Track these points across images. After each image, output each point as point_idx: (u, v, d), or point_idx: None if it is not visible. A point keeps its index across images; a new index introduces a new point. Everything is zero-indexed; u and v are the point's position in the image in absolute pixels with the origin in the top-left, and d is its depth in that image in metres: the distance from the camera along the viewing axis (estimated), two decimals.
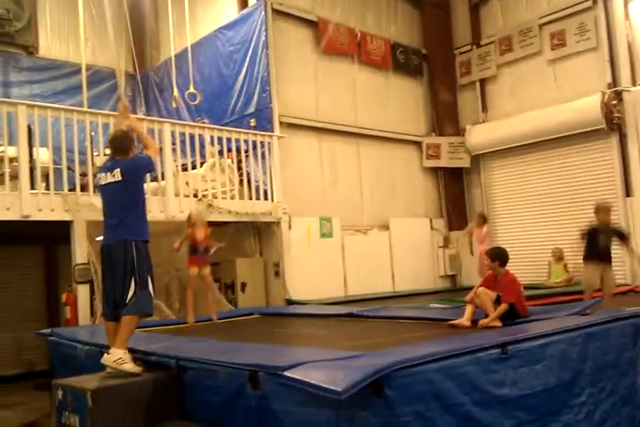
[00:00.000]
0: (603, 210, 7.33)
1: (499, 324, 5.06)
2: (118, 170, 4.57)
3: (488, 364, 3.57)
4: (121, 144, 4.76)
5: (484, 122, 12.18)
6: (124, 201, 4.58)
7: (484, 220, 10.15)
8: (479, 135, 12.04)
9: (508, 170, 11.84)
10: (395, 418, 3.09)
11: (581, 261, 8.05)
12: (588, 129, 10.28)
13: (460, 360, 3.46)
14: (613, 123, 10.04)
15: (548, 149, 11.08)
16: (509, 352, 3.70)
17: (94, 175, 7.79)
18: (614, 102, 10.00)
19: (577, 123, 10.35)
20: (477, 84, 12.35)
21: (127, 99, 11.81)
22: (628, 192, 10.04)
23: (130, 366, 4.19)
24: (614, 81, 10.19)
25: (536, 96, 11.22)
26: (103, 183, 4.65)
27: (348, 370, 3.20)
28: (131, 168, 4.63)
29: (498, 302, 5.26)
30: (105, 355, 4.29)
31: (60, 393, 4.02)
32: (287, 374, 3.30)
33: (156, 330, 4.66)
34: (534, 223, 11.26)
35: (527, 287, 8.57)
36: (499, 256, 5.50)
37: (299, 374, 3.26)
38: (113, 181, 4.57)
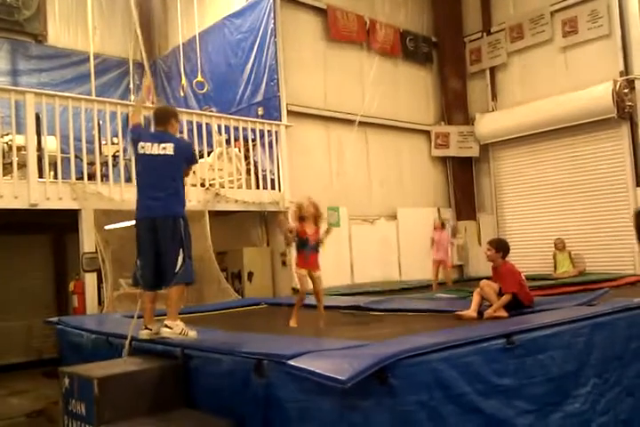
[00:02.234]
0: None
1: (505, 314, 5.06)
2: (171, 145, 4.65)
3: (493, 354, 3.57)
4: (162, 114, 4.89)
5: (493, 110, 12.08)
6: (173, 176, 4.66)
7: (442, 225, 10.33)
8: (488, 124, 11.94)
9: (517, 159, 11.75)
10: (399, 407, 3.10)
11: (587, 249, 8.15)
12: (599, 118, 10.16)
13: (465, 350, 3.45)
14: (625, 111, 9.93)
15: (557, 138, 10.98)
16: (515, 343, 3.69)
17: (114, 156, 7.99)
18: (626, 91, 9.88)
19: (588, 111, 10.24)
20: (487, 72, 12.23)
21: (135, 87, 11.83)
22: (638, 182, 9.94)
23: (193, 334, 4.46)
24: (626, 69, 10.06)
25: (547, 84, 11.11)
26: (148, 153, 4.66)
27: (352, 359, 3.20)
28: (183, 149, 4.77)
29: (500, 293, 5.25)
30: (164, 329, 4.45)
31: (67, 381, 4.05)
32: (292, 362, 3.31)
33: (160, 318, 4.67)
34: (543, 213, 11.19)
35: (535, 278, 8.60)
36: (502, 247, 5.50)
37: (303, 363, 3.26)
38: (163, 153, 4.63)
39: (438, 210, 11.89)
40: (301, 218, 5.72)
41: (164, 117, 4.88)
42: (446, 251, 9.86)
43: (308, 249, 5.70)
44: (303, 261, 5.72)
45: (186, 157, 4.78)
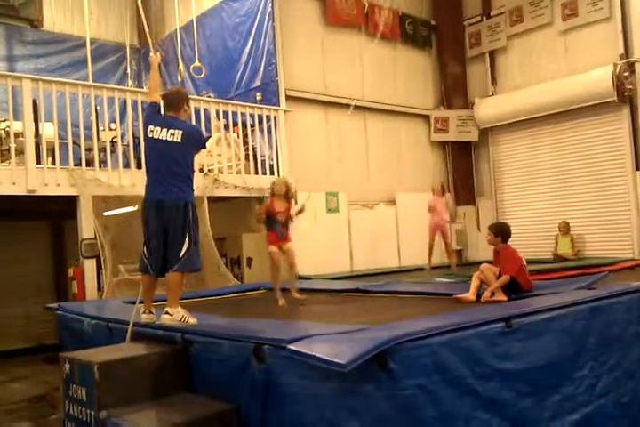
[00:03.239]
0: None
1: (504, 298, 5.07)
2: (180, 132, 4.60)
3: (492, 337, 3.57)
4: (173, 99, 4.81)
5: (493, 95, 12.01)
6: (182, 162, 4.62)
7: (442, 190, 9.99)
8: (488, 108, 11.89)
9: (516, 144, 11.72)
10: (398, 391, 3.10)
11: (586, 233, 8.15)
12: (599, 101, 10.11)
13: (465, 334, 3.45)
14: (624, 95, 9.87)
15: (557, 122, 10.94)
16: (514, 326, 3.70)
17: (113, 141, 7.93)
18: (626, 74, 9.81)
19: (587, 95, 10.18)
20: (487, 55, 12.15)
21: (133, 72, 11.76)
22: (637, 166, 9.92)
23: (193, 321, 4.48)
24: (626, 52, 9.98)
25: (546, 68, 11.04)
26: (157, 137, 4.62)
27: (352, 343, 3.21)
28: (192, 137, 4.71)
29: (500, 277, 5.27)
30: (165, 316, 4.46)
31: (67, 366, 4.06)
32: (292, 347, 3.31)
33: (161, 305, 4.68)
34: (543, 197, 11.19)
35: (534, 261, 8.61)
36: (502, 232, 5.50)
37: (303, 348, 3.27)
38: (171, 140, 4.59)
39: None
40: (272, 195, 6.16)
41: (177, 102, 4.79)
42: (442, 215, 9.55)
43: (277, 226, 6.13)
44: (274, 237, 6.13)
45: (196, 144, 4.75)
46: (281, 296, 6.11)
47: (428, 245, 9.70)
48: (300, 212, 6.40)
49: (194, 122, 8.30)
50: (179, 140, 4.59)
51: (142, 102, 7.51)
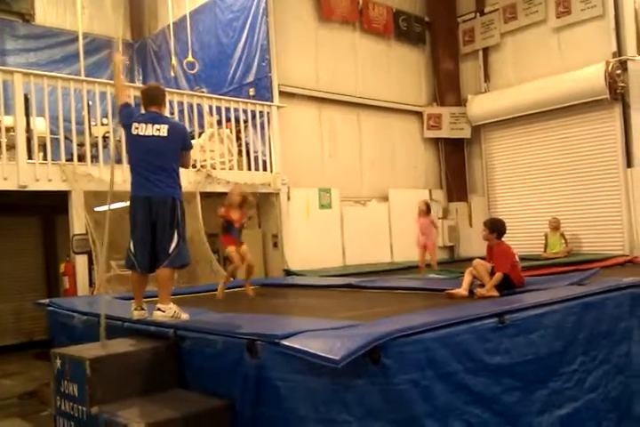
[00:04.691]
0: None
1: (496, 294, 5.09)
2: (166, 127, 4.59)
3: (484, 333, 3.59)
4: (156, 94, 4.81)
5: (486, 92, 12.03)
6: (169, 157, 4.61)
7: (427, 209, 9.53)
8: (481, 105, 11.90)
9: (508, 141, 11.74)
10: (391, 386, 3.11)
11: (577, 230, 8.16)
12: (591, 99, 10.14)
13: (457, 329, 3.47)
14: (617, 93, 9.90)
15: (549, 119, 10.97)
16: (506, 322, 3.72)
17: (104, 137, 7.88)
18: (618, 72, 9.84)
19: (580, 92, 10.21)
20: (480, 52, 12.15)
21: (125, 67, 11.67)
22: (629, 163, 9.96)
23: (185, 316, 4.49)
24: (619, 50, 10.01)
25: (539, 65, 11.05)
26: (141, 134, 4.59)
27: (345, 339, 3.21)
28: (178, 132, 4.68)
29: (493, 272, 5.28)
30: (156, 312, 4.47)
31: (58, 362, 4.04)
32: (285, 342, 3.32)
33: (152, 301, 4.67)
34: (534, 194, 11.22)
35: (526, 258, 8.64)
36: (497, 228, 5.51)
37: (296, 343, 3.27)
38: (157, 135, 4.57)
39: (430, 191, 11.90)
40: (229, 204, 6.51)
41: (157, 97, 4.79)
42: (429, 236, 9.43)
43: (234, 232, 6.51)
44: (232, 240, 6.50)
45: (181, 140, 4.69)
46: (222, 290, 6.51)
47: (420, 259, 9.58)
48: (250, 219, 7.12)
49: (187, 117, 8.30)
50: (165, 135, 4.58)
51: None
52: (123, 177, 7.37)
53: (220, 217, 6.52)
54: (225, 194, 8.66)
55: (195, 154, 8.25)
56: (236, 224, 6.51)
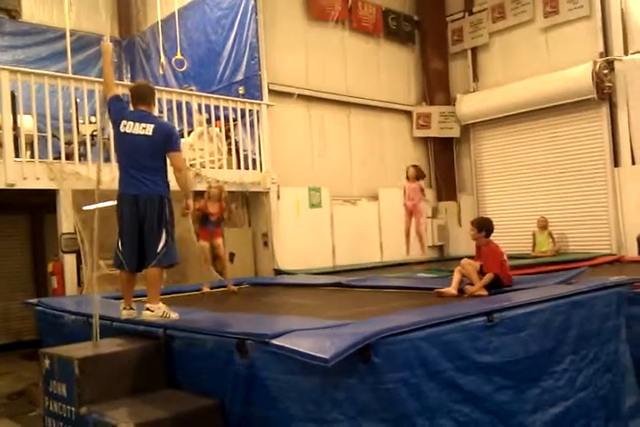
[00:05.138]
0: None
1: (484, 293, 5.11)
2: (152, 126, 4.55)
3: (474, 331, 3.61)
4: (145, 93, 4.77)
5: (474, 91, 12.07)
6: (155, 156, 4.57)
7: (417, 174, 9.46)
8: (469, 105, 11.95)
9: (497, 140, 11.80)
10: (381, 385, 3.13)
11: (565, 229, 8.20)
12: (579, 99, 10.21)
13: (447, 328, 3.48)
14: (604, 92, 9.98)
15: (537, 118, 11.03)
16: (495, 320, 3.74)
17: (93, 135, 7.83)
18: (605, 72, 9.92)
19: (568, 92, 10.28)
20: (469, 52, 12.19)
21: (113, 65, 11.59)
22: (616, 162, 10.04)
23: (175, 316, 4.46)
24: (606, 50, 10.09)
25: (527, 65, 11.11)
26: (129, 132, 4.56)
27: (335, 338, 3.22)
28: (162, 133, 4.58)
29: (482, 271, 5.30)
30: (145, 312, 4.45)
31: (47, 362, 4.02)
32: (275, 342, 3.32)
33: (142, 300, 4.65)
34: (523, 193, 11.29)
35: (514, 257, 8.69)
36: (485, 227, 5.53)
37: (286, 342, 3.27)
38: (143, 133, 4.53)
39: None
40: (208, 198, 6.73)
41: (146, 96, 4.76)
42: (416, 202, 9.38)
43: (209, 224, 6.75)
44: (206, 234, 6.75)
45: (164, 141, 4.57)
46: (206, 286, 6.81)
47: (405, 227, 9.57)
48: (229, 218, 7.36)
49: (176, 115, 8.26)
50: (150, 134, 4.53)
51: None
52: (111, 175, 7.31)
53: (196, 210, 6.54)
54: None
55: (184, 152, 8.23)
56: (212, 217, 6.73)
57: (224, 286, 6.97)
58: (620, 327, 4.72)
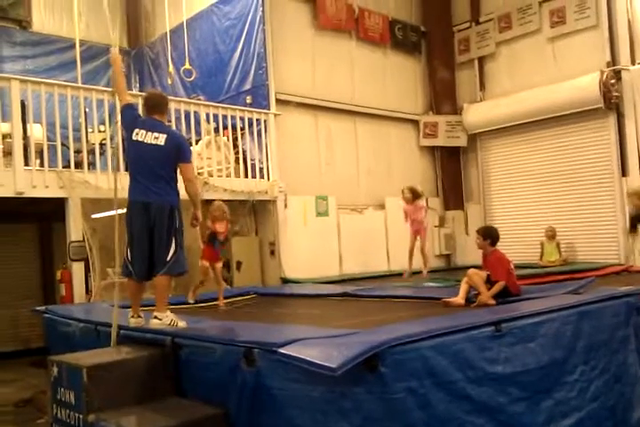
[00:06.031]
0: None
1: (492, 302, 5.10)
2: (165, 136, 4.58)
3: (482, 341, 3.60)
4: (159, 102, 4.82)
5: (481, 100, 12.09)
6: (166, 166, 4.61)
7: (413, 196, 9.19)
8: (476, 114, 11.97)
9: (504, 149, 11.80)
10: (388, 395, 3.11)
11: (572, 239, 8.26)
12: (586, 108, 10.21)
13: (454, 338, 3.48)
14: (611, 102, 9.98)
15: (545, 128, 11.03)
16: (503, 330, 3.73)
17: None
18: (613, 81, 9.92)
19: (575, 102, 10.28)
20: (476, 61, 12.23)
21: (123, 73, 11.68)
22: (624, 172, 10.01)
23: (182, 324, 4.47)
24: (613, 60, 10.10)
25: (534, 75, 11.13)
26: (141, 140, 4.59)
27: (342, 347, 3.22)
28: (174, 143, 4.62)
29: (489, 281, 5.29)
30: (153, 320, 4.47)
31: (55, 370, 4.03)
32: (282, 350, 3.31)
33: (150, 310, 4.66)
34: (530, 203, 11.26)
35: (522, 266, 8.67)
36: (490, 235, 5.53)
37: (294, 351, 3.27)
38: (154, 143, 4.56)
39: (426, 200, 11.90)
40: (214, 218, 6.60)
41: (160, 105, 4.81)
42: (418, 220, 9.23)
43: (217, 244, 6.62)
44: (209, 253, 6.58)
45: (176, 151, 4.61)
46: (193, 294, 6.66)
47: (409, 247, 9.54)
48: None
49: (184, 124, 8.31)
50: (162, 144, 4.56)
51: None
52: (121, 184, 7.40)
53: (207, 228, 6.60)
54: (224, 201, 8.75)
55: (192, 161, 8.27)
56: (220, 236, 6.65)
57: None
58: (629, 338, 4.69)
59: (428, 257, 9.77)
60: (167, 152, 4.58)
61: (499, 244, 5.62)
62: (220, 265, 6.75)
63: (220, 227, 6.67)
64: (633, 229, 7.99)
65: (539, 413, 3.74)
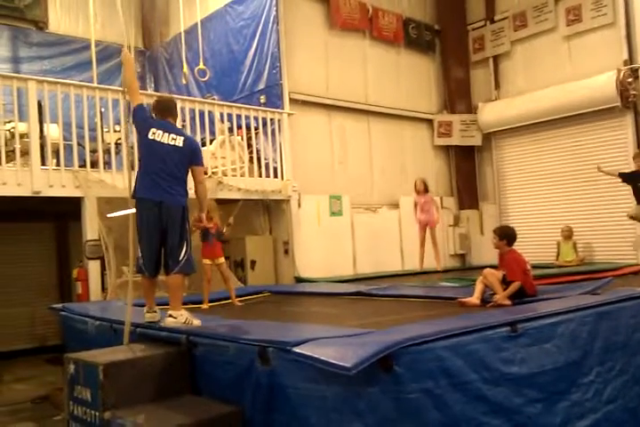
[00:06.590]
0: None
1: (508, 302, 5.06)
2: (182, 138, 4.75)
3: (497, 342, 3.56)
4: (171, 106, 5.00)
5: (496, 99, 12.01)
6: (180, 167, 4.71)
7: (425, 187, 9.64)
8: (491, 113, 11.89)
9: (519, 148, 11.71)
10: (403, 395, 3.10)
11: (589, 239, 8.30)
12: (603, 107, 10.10)
13: (470, 338, 3.45)
14: (629, 101, 9.87)
15: (560, 127, 10.94)
16: (519, 330, 3.69)
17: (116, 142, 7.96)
18: (630, 80, 9.81)
19: (591, 101, 10.18)
20: (490, 60, 12.14)
21: (137, 75, 11.76)
22: None
23: (197, 322, 4.52)
24: (630, 58, 9.98)
25: (550, 73, 11.04)
26: (158, 140, 4.69)
27: (357, 346, 3.21)
28: (190, 147, 4.79)
29: (504, 281, 5.25)
30: (169, 319, 4.52)
31: (71, 367, 4.07)
32: (297, 349, 3.32)
33: (165, 308, 4.69)
34: (545, 202, 11.18)
35: (538, 266, 8.61)
36: (507, 235, 5.49)
37: (308, 350, 3.27)
38: (172, 144, 4.69)
39: (441, 199, 11.87)
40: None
41: (171, 109, 4.98)
42: (430, 212, 9.49)
43: (210, 239, 6.52)
44: (207, 250, 6.50)
45: (191, 154, 4.77)
46: (206, 302, 6.52)
47: (420, 240, 9.60)
48: (229, 226, 7.02)
49: (198, 124, 8.34)
50: (180, 146, 4.70)
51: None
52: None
53: (195, 227, 6.43)
54: (236, 201, 8.79)
55: (206, 161, 8.30)
56: (212, 230, 6.56)
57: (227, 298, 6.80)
58: None
59: (439, 251, 9.76)
60: (184, 154, 4.72)
61: (515, 243, 5.57)
62: (222, 260, 6.66)
63: (208, 222, 6.55)
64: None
65: (555, 414, 3.71)
